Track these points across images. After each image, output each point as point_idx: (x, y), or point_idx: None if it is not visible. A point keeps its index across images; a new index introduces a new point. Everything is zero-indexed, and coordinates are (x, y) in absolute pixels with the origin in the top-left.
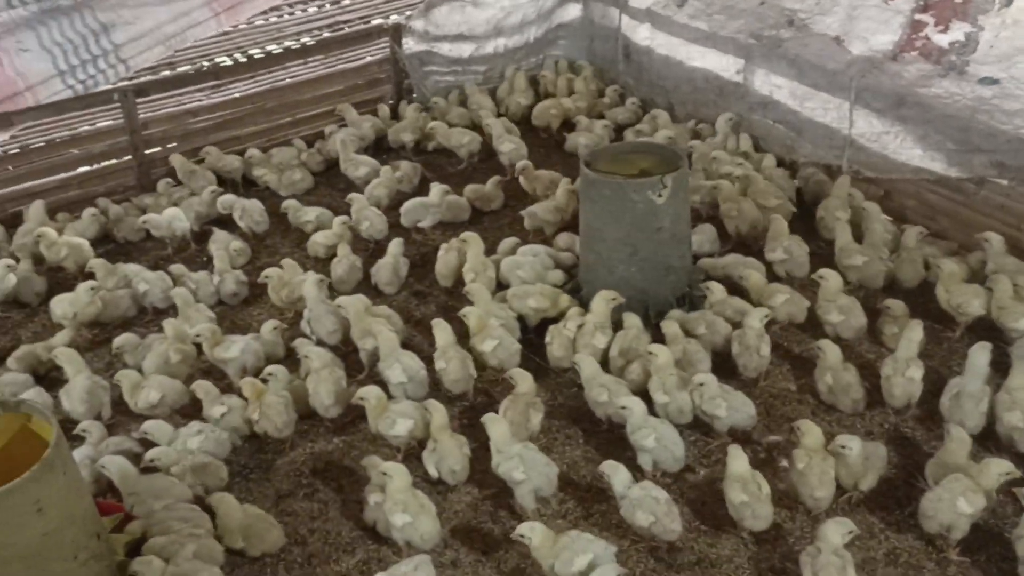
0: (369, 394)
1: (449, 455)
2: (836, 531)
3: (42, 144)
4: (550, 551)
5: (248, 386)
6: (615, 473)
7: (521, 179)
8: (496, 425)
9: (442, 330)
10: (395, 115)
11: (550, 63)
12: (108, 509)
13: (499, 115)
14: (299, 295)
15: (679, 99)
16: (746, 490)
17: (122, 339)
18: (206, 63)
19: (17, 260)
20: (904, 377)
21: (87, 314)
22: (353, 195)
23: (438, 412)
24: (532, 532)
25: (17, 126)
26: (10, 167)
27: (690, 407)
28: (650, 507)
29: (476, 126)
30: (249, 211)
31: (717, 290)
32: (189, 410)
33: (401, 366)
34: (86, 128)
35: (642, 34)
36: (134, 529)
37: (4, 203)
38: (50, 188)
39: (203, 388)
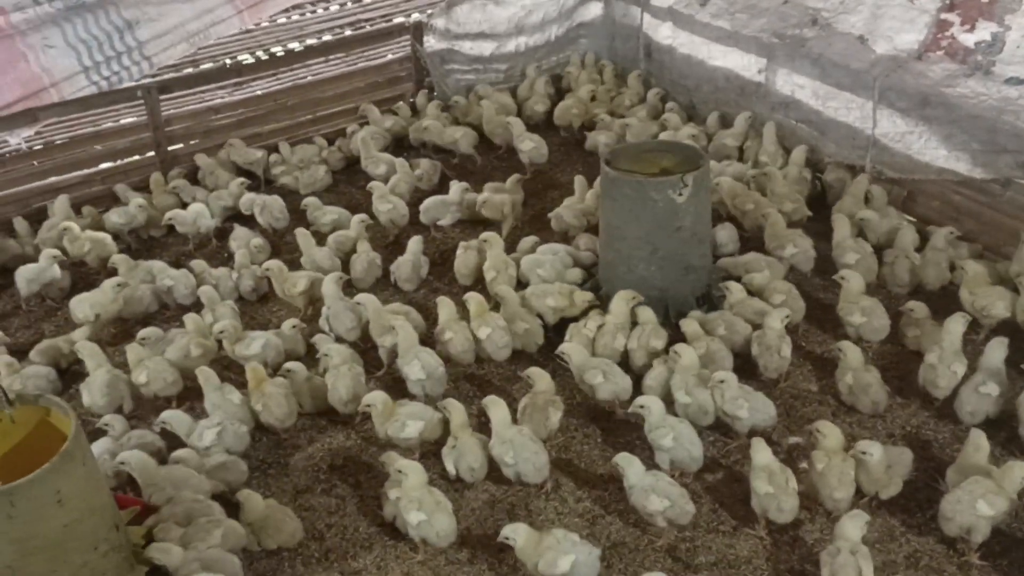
0: (376, 400)
1: (469, 452)
2: (854, 526)
3: (66, 140)
4: (534, 551)
5: (250, 372)
6: (629, 465)
7: (483, 211)
8: (497, 408)
9: (445, 306)
10: (415, 112)
11: (576, 57)
12: (125, 503)
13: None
14: (301, 289)
15: (700, 98)
16: (772, 481)
17: (147, 331)
18: (229, 61)
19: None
20: (950, 370)
21: (110, 311)
22: (373, 183)
23: (457, 411)
24: (516, 533)
25: (42, 122)
26: (34, 162)
27: (712, 408)
28: (664, 491)
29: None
30: (269, 208)
31: (736, 290)
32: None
33: (420, 363)
34: (110, 124)
35: (664, 33)
36: (148, 523)
37: (28, 198)
38: (73, 184)
39: (204, 375)
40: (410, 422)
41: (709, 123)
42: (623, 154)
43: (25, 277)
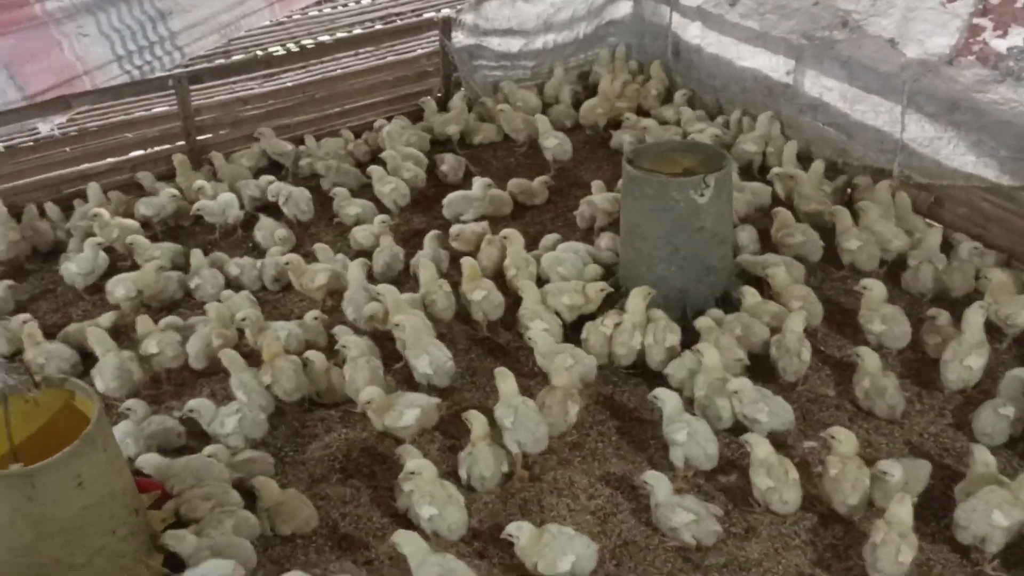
0: (373, 395)
1: (482, 461)
2: (905, 510)
3: (98, 127)
4: (533, 550)
5: (266, 346)
6: (658, 483)
7: (455, 244)
8: (506, 379)
9: (426, 269)
10: (443, 108)
11: (605, 54)
12: (146, 487)
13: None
14: (319, 283)
15: (727, 98)
16: (771, 475)
17: (168, 320)
18: (259, 52)
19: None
20: (962, 364)
21: (153, 289)
22: (372, 167)
23: (479, 423)
24: (520, 531)
25: (75, 109)
26: (67, 149)
27: (728, 414)
28: (691, 507)
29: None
30: (295, 199)
31: (749, 294)
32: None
33: (429, 357)
34: (141, 113)
35: (692, 32)
36: (169, 509)
37: (60, 184)
38: (104, 171)
39: (228, 357)
40: (407, 411)
41: (734, 123)
42: (646, 153)
43: (79, 272)
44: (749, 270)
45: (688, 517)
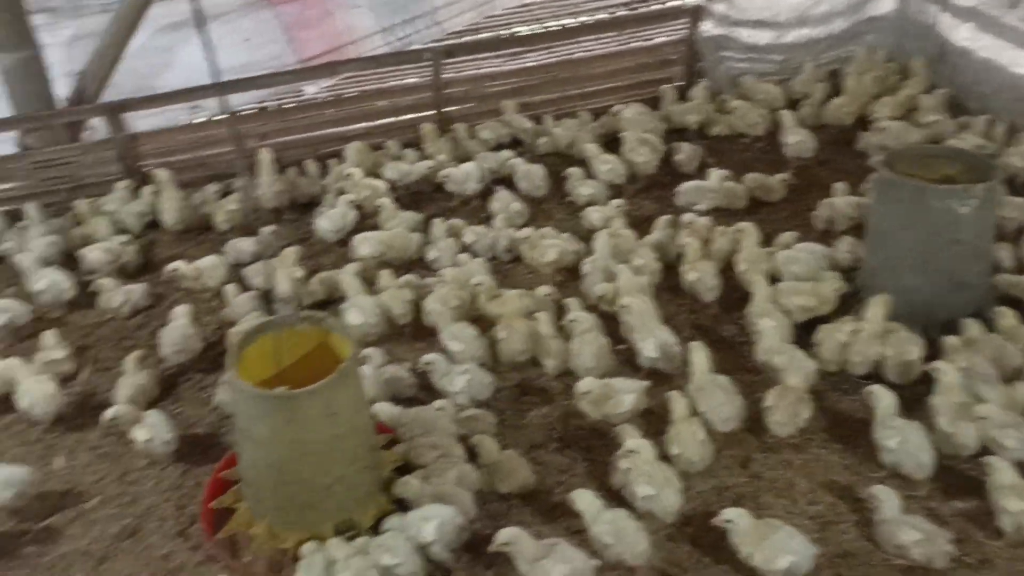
0: (592, 386)
1: (688, 447)
2: None
3: (356, 93)
4: (752, 539)
5: (509, 302)
6: (888, 499)
7: (684, 233)
8: (698, 353)
9: (600, 239)
10: (683, 98)
11: (861, 52)
12: (381, 430)
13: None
14: (550, 259)
15: (997, 106)
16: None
17: (406, 278)
18: (505, 32)
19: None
20: None
21: (396, 251)
22: (587, 144)
23: (678, 404)
24: (740, 517)
25: (340, 75)
26: (327, 111)
27: (973, 442)
28: (919, 526)
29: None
30: (531, 175)
31: (1005, 315)
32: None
33: (655, 340)
34: (393, 83)
35: (962, 34)
36: (399, 452)
37: (318, 144)
38: (357, 134)
39: (436, 312)
40: (625, 397)
41: (1000, 135)
42: (902, 157)
43: (331, 228)
44: (1007, 291)
45: (916, 536)
